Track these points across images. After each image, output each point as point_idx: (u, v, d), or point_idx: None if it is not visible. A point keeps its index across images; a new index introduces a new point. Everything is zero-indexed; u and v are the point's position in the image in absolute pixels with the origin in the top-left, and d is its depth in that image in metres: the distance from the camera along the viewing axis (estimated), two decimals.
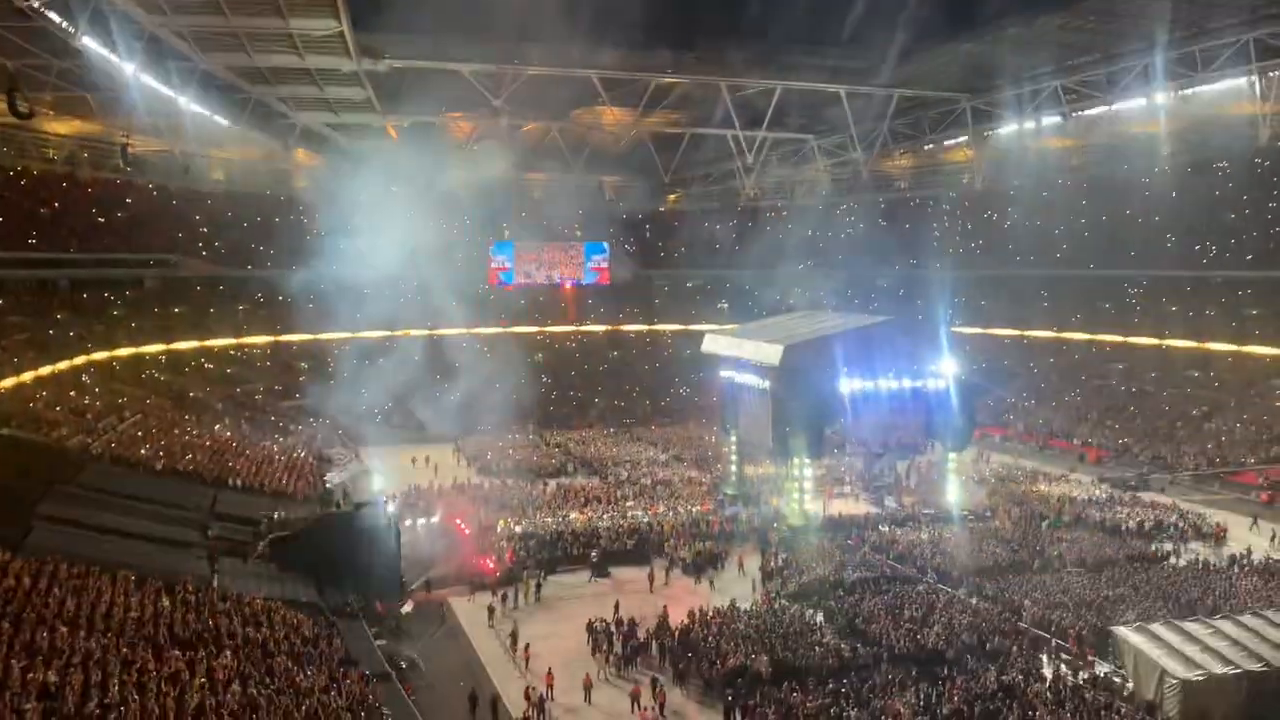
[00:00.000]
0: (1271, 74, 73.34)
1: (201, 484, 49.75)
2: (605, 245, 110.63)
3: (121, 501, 42.26)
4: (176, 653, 25.70)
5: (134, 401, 63.23)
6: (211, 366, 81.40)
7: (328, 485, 55.27)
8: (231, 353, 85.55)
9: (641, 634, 35.86)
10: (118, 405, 61.04)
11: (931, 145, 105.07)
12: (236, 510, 45.46)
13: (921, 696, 30.11)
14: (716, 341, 61.89)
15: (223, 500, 47.19)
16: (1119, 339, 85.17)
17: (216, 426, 64.03)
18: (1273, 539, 48.86)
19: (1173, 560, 44.90)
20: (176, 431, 59.27)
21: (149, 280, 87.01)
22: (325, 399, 79.61)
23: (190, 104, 76.30)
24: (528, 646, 34.61)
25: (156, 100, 73.14)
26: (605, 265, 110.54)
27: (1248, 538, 49.34)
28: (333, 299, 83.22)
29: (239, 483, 51.54)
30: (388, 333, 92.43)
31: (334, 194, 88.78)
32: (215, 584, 33.73)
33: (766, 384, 52.96)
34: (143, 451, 52.12)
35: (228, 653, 26.59)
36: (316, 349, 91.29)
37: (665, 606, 38.12)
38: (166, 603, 29.36)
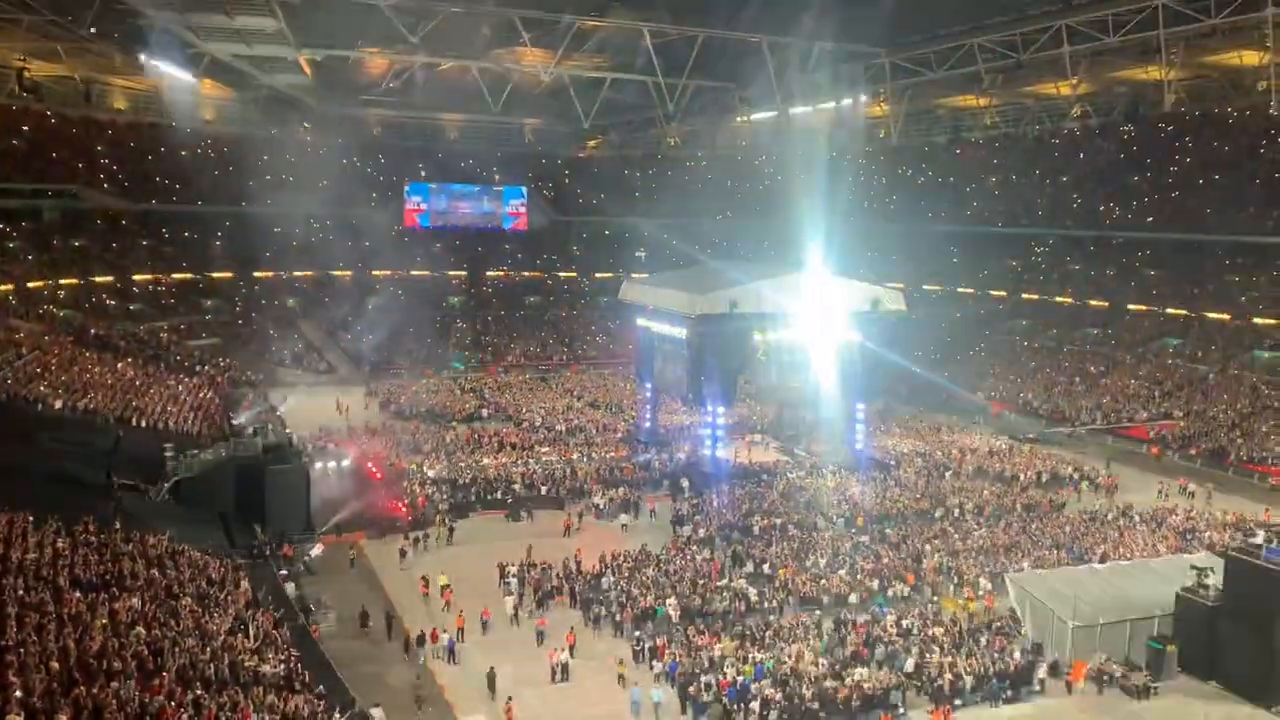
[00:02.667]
0: (1177, 41, 75.27)
1: (103, 423, 48.45)
2: (523, 190, 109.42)
3: (18, 440, 40.96)
4: (77, 595, 25.22)
5: (31, 337, 60.98)
6: (114, 302, 78.77)
7: (235, 426, 54.29)
8: (135, 289, 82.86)
9: (554, 578, 36.23)
10: (14, 341, 58.84)
11: (849, 100, 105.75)
12: (140, 450, 44.38)
13: (824, 639, 31.10)
14: (634, 290, 62.05)
15: (126, 440, 46.04)
16: (1026, 296, 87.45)
17: (120, 365, 62.15)
18: (1159, 491, 51.08)
19: (1067, 510, 46.72)
20: (77, 369, 57.38)
21: (48, 211, 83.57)
22: (233, 339, 78.00)
23: (90, 29, 72.91)
24: (448, 588, 34.75)
25: (56, 24, 69.81)
26: (523, 210, 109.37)
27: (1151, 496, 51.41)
28: (242, 236, 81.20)
29: (143, 422, 50.32)
30: (298, 273, 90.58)
31: (244, 128, 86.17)
32: (118, 525, 33.03)
33: (683, 333, 53.35)
34: (41, 389, 50.44)
35: (130, 595, 26.19)
36: (224, 287, 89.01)
37: (578, 550, 38.53)
38: (64, 544, 28.68)
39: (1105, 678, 29.63)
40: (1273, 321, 69.03)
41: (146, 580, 27.83)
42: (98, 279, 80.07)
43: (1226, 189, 74.88)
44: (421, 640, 30.70)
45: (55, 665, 20.67)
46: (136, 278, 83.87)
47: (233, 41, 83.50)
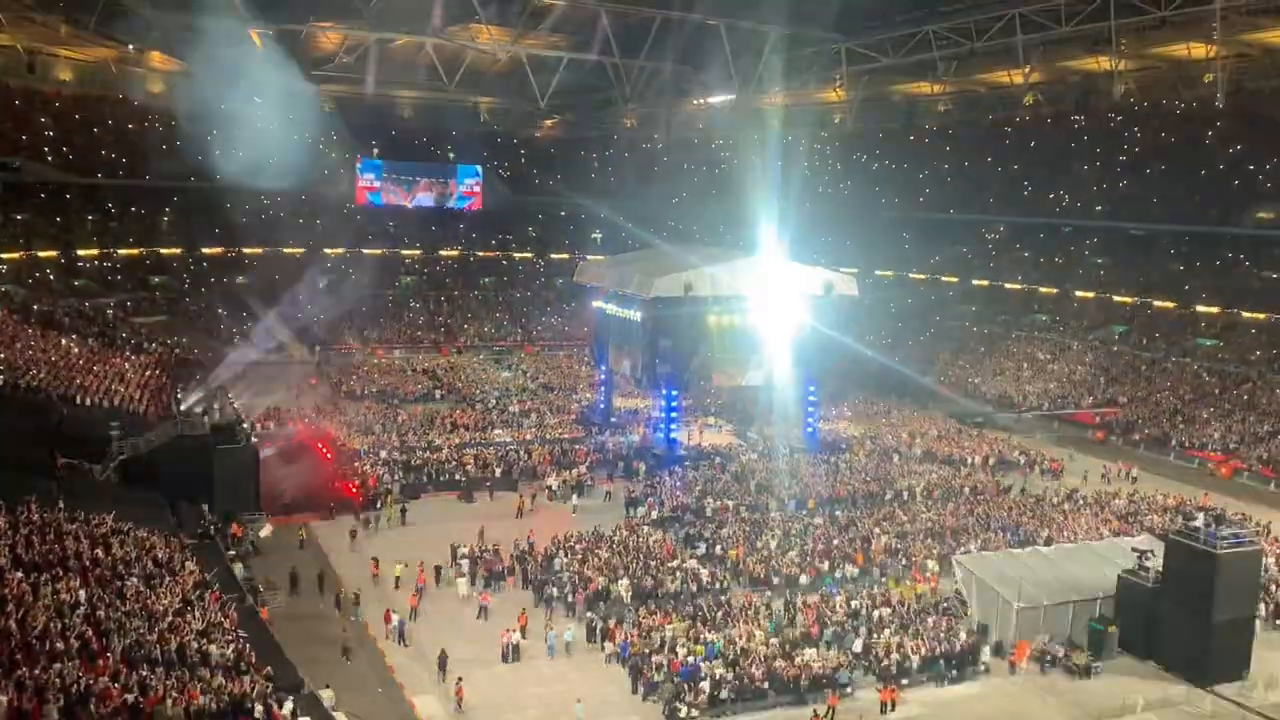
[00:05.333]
0: (1128, 33, 76.30)
1: (47, 401, 47.42)
2: (478, 169, 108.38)
3: None
4: (19, 575, 24.75)
5: None
6: (57, 278, 77.11)
7: (182, 406, 53.47)
8: (81, 264, 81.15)
9: (506, 558, 36.22)
10: None
11: (807, 85, 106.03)
12: (85, 429, 43.54)
13: (774, 619, 31.42)
14: (590, 272, 62.06)
15: (69, 418, 45.14)
16: (976, 282, 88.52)
17: (64, 341, 60.88)
18: (1103, 476, 52.12)
19: (1013, 494, 47.49)
20: (19, 345, 56.10)
21: None
22: (181, 317, 76.73)
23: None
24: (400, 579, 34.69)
25: None
26: (478, 189, 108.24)
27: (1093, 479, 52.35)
28: (191, 212, 79.81)
29: (87, 400, 49.32)
30: (248, 250, 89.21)
31: (193, 102, 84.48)
32: (61, 505, 32.43)
33: (638, 315, 53.42)
34: None
35: (74, 575, 25.77)
36: (173, 264, 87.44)
37: (530, 531, 38.56)
38: (5, 524, 28.11)
39: (1048, 658, 30.29)
40: (1215, 310, 70.54)
41: (91, 560, 27.39)
42: (41, 254, 78.30)
43: (1174, 179, 76.19)
44: (358, 600, 31.91)
45: None
46: (82, 253, 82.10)
47: (181, 11, 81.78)
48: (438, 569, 35.19)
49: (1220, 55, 71.69)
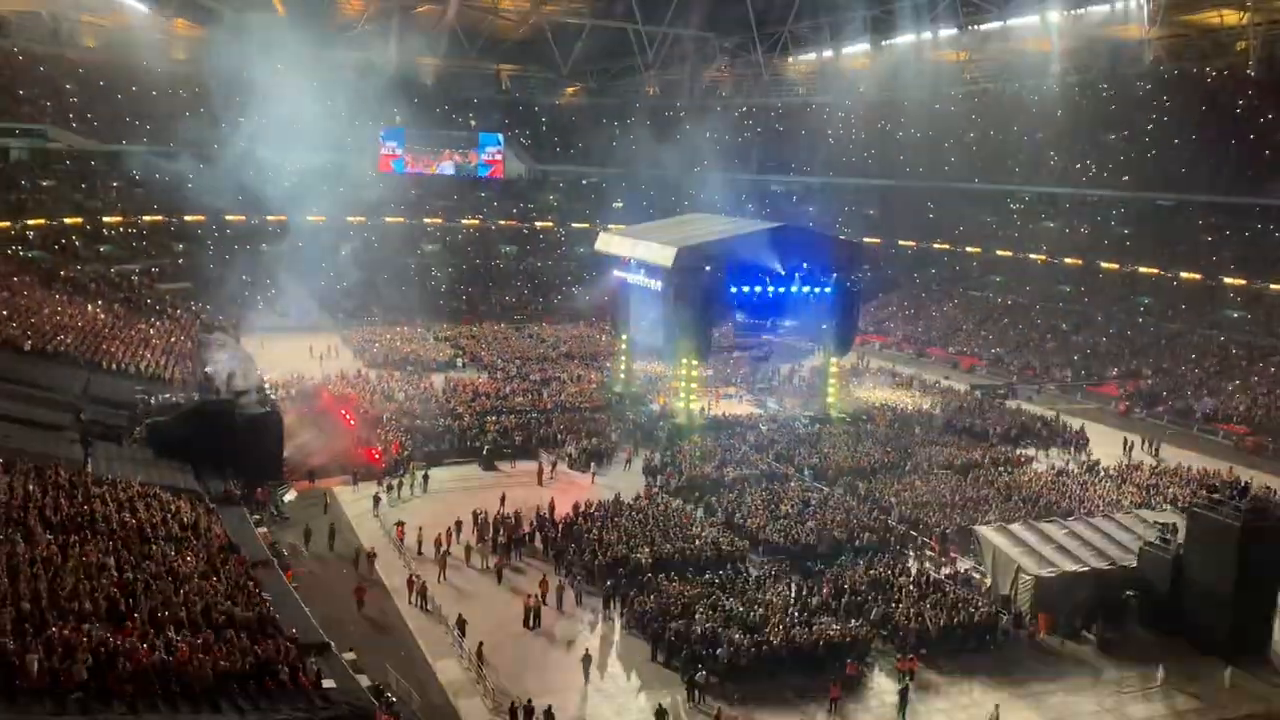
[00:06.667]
0: None
1: (74, 366, 47.95)
2: (499, 137, 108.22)
3: None
4: (49, 537, 25.13)
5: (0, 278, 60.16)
6: (84, 244, 77.68)
7: (207, 371, 53.92)
8: (106, 231, 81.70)
9: (527, 525, 36.45)
10: None
11: (831, 52, 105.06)
12: (111, 394, 44.07)
13: (793, 588, 31.53)
14: (611, 241, 61.82)
15: (96, 383, 45.63)
16: (1000, 253, 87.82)
17: (90, 307, 61.42)
18: (1125, 447, 51.82)
19: (1035, 465, 47.30)
20: (46, 311, 56.69)
21: (15, 151, 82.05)
22: (205, 283, 77.11)
23: None
24: (437, 536, 34.84)
25: None
26: (499, 157, 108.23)
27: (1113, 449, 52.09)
28: (215, 180, 79.87)
29: (114, 366, 49.86)
30: (272, 217, 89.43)
31: (216, 69, 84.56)
32: (89, 468, 32.87)
33: (659, 285, 53.28)
34: (10, 330, 49.81)
35: (103, 538, 26.13)
36: (197, 231, 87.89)
37: (551, 499, 38.77)
38: (35, 487, 28.52)
39: (1068, 630, 30.23)
40: (1242, 282, 69.77)
41: (118, 523, 27.77)
42: (67, 220, 78.91)
43: (1202, 149, 75.17)
44: (374, 556, 33.22)
45: (26, 606, 20.68)
46: (106, 220, 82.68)
47: None
48: (458, 533, 35.42)
49: (1252, 23, 70.50)
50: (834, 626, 28.61)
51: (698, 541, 34.64)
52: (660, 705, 24.50)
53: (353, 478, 41.80)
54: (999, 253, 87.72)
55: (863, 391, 61.72)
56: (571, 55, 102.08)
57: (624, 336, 60.53)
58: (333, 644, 25.18)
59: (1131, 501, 40.58)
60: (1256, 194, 69.59)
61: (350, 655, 25.20)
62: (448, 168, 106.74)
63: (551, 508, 37.88)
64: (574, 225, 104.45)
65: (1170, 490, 42.29)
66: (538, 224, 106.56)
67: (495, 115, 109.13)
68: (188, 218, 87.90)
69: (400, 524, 35.94)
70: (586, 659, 27.06)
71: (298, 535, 34.80)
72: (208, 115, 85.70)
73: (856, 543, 35.83)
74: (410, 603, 30.74)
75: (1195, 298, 71.77)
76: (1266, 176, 69.26)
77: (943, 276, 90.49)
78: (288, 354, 63.30)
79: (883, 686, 27.24)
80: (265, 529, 34.62)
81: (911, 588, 31.55)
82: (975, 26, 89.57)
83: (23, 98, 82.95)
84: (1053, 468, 46.51)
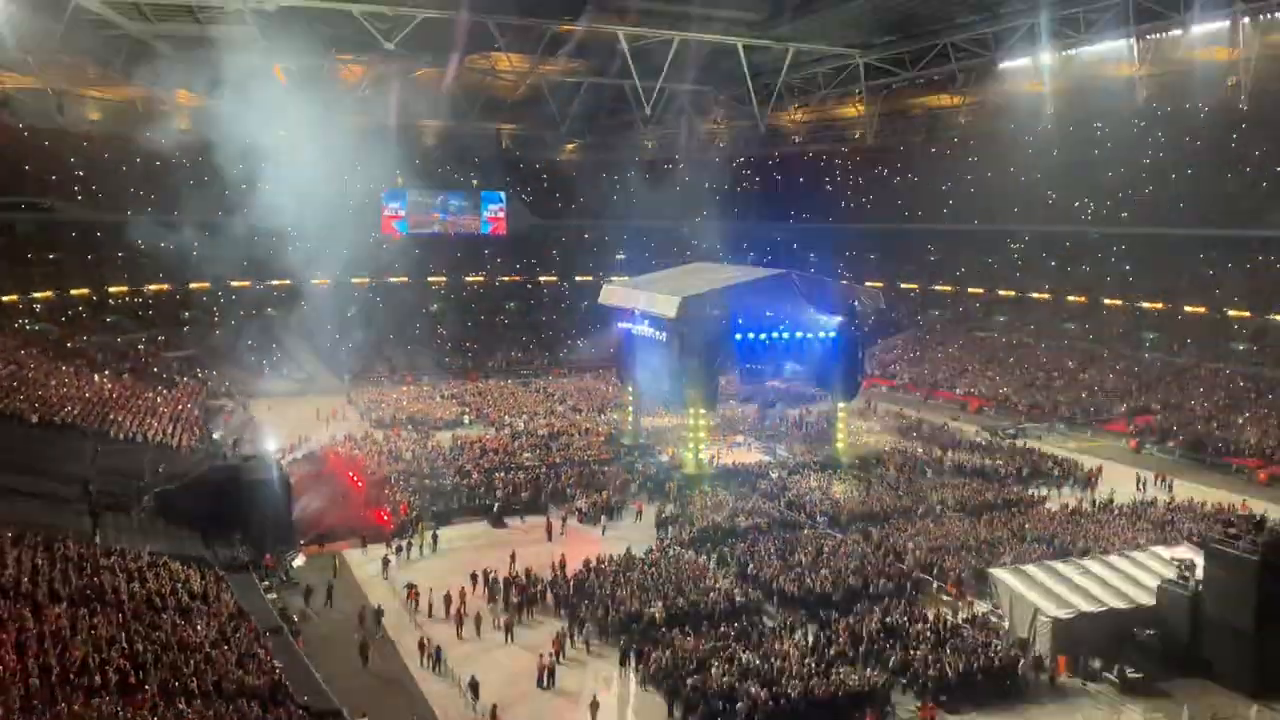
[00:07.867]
0: (1148, 37, 75.99)
1: (81, 437, 48.00)
2: (501, 195, 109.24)
3: None
4: (57, 610, 24.99)
5: (7, 351, 60.43)
6: (90, 315, 78.20)
7: (214, 437, 53.97)
8: (112, 301, 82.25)
9: (539, 583, 36.13)
10: None
11: (825, 101, 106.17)
12: (119, 464, 44.07)
13: (809, 638, 31.17)
14: (614, 293, 62.04)
15: (104, 453, 45.68)
16: (1003, 292, 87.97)
17: (97, 377, 61.65)
18: (1138, 484, 51.45)
19: (1048, 505, 46.94)
20: (54, 383, 56.89)
21: (21, 224, 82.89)
22: (212, 350, 77.42)
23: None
24: (448, 593, 34.69)
25: (26, 35, 69.23)
26: (501, 215, 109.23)
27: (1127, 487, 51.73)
28: (219, 247, 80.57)
29: (121, 435, 49.92)
30: (277, 282, 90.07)
31: (219, 139, 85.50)
32: (98, 539, 32.77)
33: (663, 335, 53.39)
34: (18, 403, 49.94)
35: (112, 609, 25.98)
36: (202, 298, 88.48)
37: (562, 555, 38.48)
38: (43, 560, 28.41)
39: (1088, 671, 29.81)
40: (1247, 314, 69.71)
41: (128, 594, 27.62)
42: (73, 292, 79.47)
43: (1197, 183, 75.54)
44: (380, 614, 33.05)
45: (35, 682, 20.49)
46: (112, 290, 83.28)
47: (205, 49, 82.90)
48: (470, 593, 35.16)
49: (1242, 58, 71.22)
50: (852, 676, 28.24)
51: (711, 594, 34.30)
52: None
53: (362, 540, 41.59)
54: (1001, 292, 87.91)
55: (871, 436, 61.50)
56: (570, 112, 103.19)
57: (630, 388, 60.51)
58: (345, 710, 24.90)
59: (1147, 539, 40.16)
60: (1256, 225, 69.78)
61: None
62: (450, 227, 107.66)
63: (563, 564, 37.60)
64: (577, 278, 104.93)
65: (1185, 526, 41.88)
66: (541, 278, 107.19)
67: (497, 173, 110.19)
68: (193, 285, 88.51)
69: (412, 586, 35.67)
70: (594, 705, 26.93)
71: (312, 604, 34.49)
72: (211, 184, 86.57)
73: (871, 589, 35.49)
74: (422, 665, 30.43)
75: (1201, 331, 71.67)
76: (1264, 208, 69.52)
77: (947, 318, 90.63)
78: (295, 417, 63.36)
79: None
80: (275, 595, 34.41)
81: (928, 634, 31.18)
82: (969, 72, 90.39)
83: (28, 173, 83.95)
84: (1066, 507, 46.14)
